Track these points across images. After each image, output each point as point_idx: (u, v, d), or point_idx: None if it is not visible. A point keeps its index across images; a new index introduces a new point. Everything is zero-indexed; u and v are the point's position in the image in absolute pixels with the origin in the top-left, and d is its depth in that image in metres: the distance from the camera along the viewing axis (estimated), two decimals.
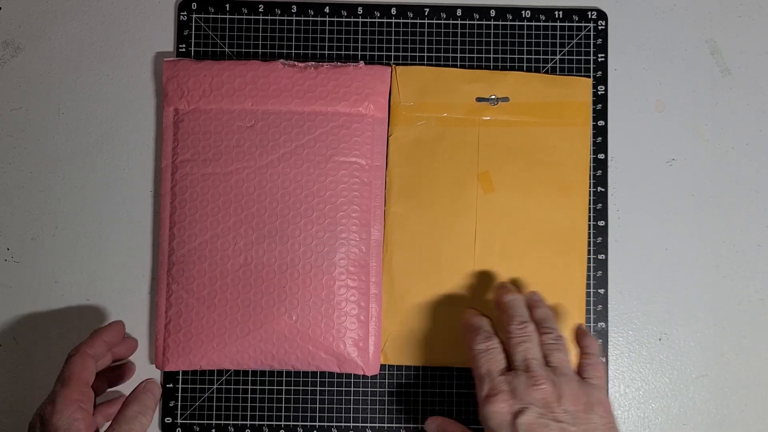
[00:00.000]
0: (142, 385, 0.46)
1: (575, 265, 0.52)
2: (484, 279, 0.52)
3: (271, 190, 0.51)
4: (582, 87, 0.53)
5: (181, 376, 0.52)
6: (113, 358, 0.49)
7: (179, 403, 0.52)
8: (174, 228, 0.51)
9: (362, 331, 0.51)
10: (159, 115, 0.54)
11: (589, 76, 0.54)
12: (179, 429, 0.52)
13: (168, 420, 0.52)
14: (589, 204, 0.53)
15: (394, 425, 0.52)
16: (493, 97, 0.53)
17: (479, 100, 0.53)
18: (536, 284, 0.52)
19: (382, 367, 0.52)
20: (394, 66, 0.53)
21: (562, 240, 0.52)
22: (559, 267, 0.52)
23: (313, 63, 0.52)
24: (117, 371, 0.50)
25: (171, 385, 0.52)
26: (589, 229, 0.53)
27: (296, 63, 0.52)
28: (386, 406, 0.52)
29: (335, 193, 0.51)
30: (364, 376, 0.52)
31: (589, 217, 0.53)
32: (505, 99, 0.53)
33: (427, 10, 0.54)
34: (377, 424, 0.52)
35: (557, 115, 0.53)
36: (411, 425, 0.52)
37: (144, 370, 0.52)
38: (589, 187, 0.53)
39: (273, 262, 0.50)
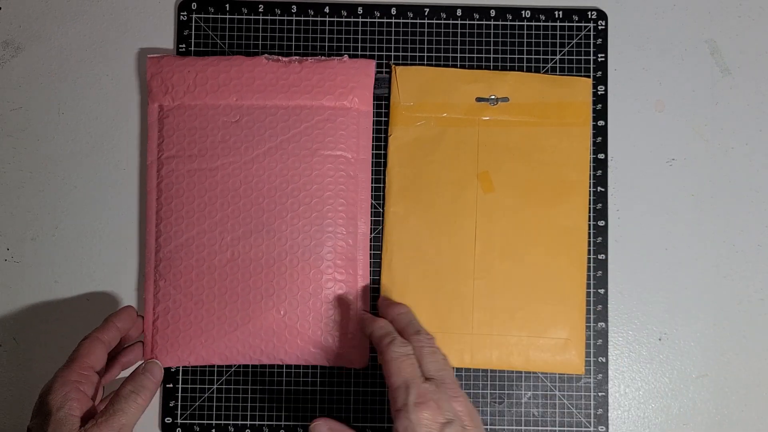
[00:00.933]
0: (141, 366, 0.46)
1: (575, 265, 0.52)
2: (484, 279, 0.52)
3: (257, 185, 0.51)
4: (582, 87, 0.53)
5: (181, 376, 0.52)
6: (124, 342, 0.50)
7: (179, 403, 0.52)
8: (160, 224, 0.51)
9: (351, 325, 0.51)
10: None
11: (589, 76, 0.54)
12: (179, 429, 0.52)
13: (168, 420, 0.52)
14: (589, 204, 0.53)
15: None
16: (492, 97, 0.53)
17: (479, 100, 0.53)
18: (536, 284, 0.52)
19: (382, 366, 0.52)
20: (393, 66, 0.53)
21: (562, 240, 0.52)
22: (560, 267, 0.52)
23: (297, 57, 0.52)
24: (128, 355, 0.50)
25: (171, 385, 0.52)
26: (589, 228, 0.53)
27: (280, 58, 0.52)
28: (386, 406, 0.52)
29: (321, 186, 0.51)
30: (364, 376, 0.52)
31: (589, 216, 0.53)
32: (505, 99, 0.53)
33: (427, 10, 0.54)
34: (377, 424, 0.52)
35: (557, 115, 0.53)
36: None
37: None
38: (589, 187, 0.53)
39: (260, 257, 0.50)
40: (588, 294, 0.53)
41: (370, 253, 0.52)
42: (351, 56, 0.53)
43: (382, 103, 0.54)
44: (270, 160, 0.51)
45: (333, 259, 0.51)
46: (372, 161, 0.53)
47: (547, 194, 0.52)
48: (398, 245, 0.52)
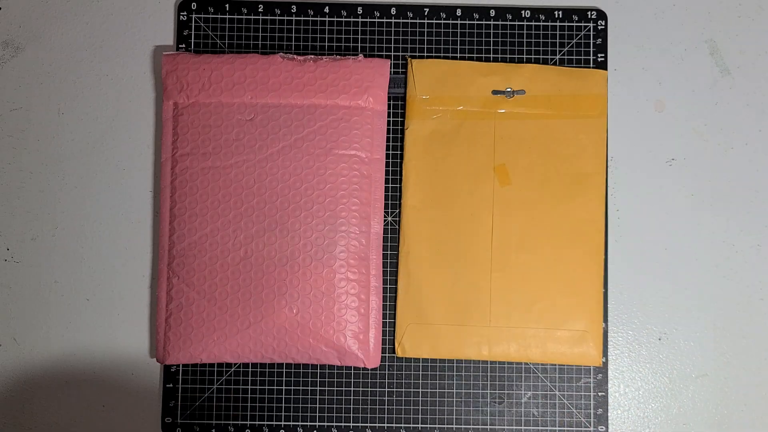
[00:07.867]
0: None
1: (592, 257, 0.52)
2: (501, 271, 0.52)
3: (270, 184, 0.51)
4: (598, 79, 0.53)
5: (181, 376, 0.52)
6: None
7: (179, 403, 0.52)
8: (174, 222, 0.51)
9: (362, 324, 0.51)
10: (159, 114, 0.54)
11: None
12: (179, 429, 0.52)
13: (168, 420, 0.52)
14: (606, 195, 0.53)
15: (394, 425, 0.52)
16: (509, 89, 0.53)
17: (495, 93, 0.53)
18: (553, 276, 0.52)
19: (382, 366, 0.52)
20: (409, 59, 0.53)
21: (579, 232, 0.52)
22: (577, 259, 0.52)
23: (312, 56, 0.52)
24: None
25: (171, 385, 0.52)
26: (606, 220, 0.53)
27: (295, 56, 0.52)
28: (386, 406, 0.52)
29: (335, 186, 0.51)
30: (364, 375, 0.52)
31: (606, 208, 0.53)
32: (521, 92, 0.53)
33: (427, 10, 0.54)
34: (377, 424, 0.52)
35: (573, 107, 0.53)
36: (411, 425, 0.52)
37: (144, 365, 0.52)
38: (606, 179, 0.53)
39: (273, 255, 0.51)
40: None
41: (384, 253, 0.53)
42: (349, 56, 0.53)
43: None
44: (284, 158, 0.51)
45: (346, 258, 0.51)
46: (388, 158, 0.53)
47: (564, 186, 0.52)
48: (415, 238, 0.52)
